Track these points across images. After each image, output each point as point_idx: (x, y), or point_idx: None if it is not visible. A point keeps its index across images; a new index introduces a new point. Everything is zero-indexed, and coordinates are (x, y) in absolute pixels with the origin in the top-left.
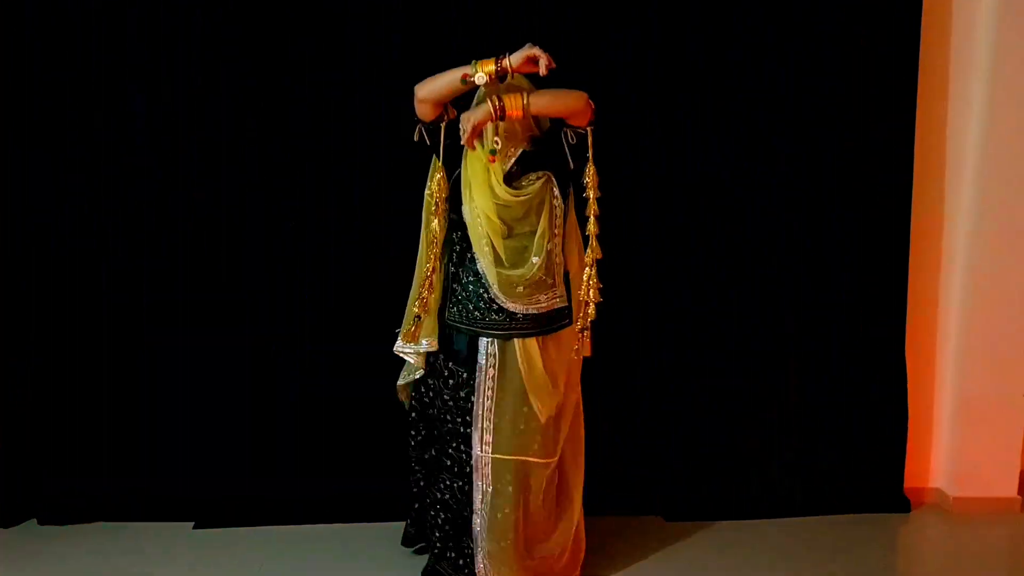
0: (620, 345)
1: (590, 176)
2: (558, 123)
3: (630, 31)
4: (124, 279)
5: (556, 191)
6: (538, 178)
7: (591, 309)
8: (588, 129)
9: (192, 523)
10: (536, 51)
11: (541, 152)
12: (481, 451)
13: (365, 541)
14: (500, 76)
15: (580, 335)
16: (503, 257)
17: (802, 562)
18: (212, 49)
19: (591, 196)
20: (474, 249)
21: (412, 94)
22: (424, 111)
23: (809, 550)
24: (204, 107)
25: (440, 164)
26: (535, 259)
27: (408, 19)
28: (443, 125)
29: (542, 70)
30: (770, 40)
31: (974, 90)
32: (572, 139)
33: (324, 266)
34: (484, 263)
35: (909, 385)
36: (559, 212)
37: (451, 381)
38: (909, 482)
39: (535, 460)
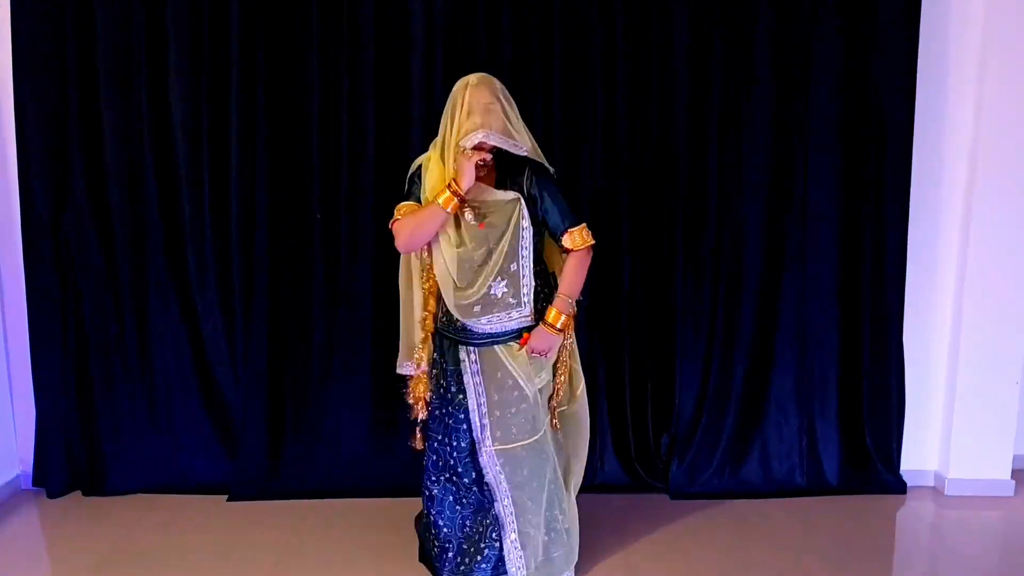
0: (622, 336)
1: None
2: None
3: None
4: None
5: (525, 212)
6: (507, 201)
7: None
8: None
9: (225, 496)
10: (473, 155)
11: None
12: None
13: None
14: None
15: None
16: (456, 279)
17: (802, 539)
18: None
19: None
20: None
21: None
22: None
23: (807, 528)
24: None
25: None
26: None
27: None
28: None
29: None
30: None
31: (970, 85)
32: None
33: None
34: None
35: (907, 371)
36: (528, 235)
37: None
38: (906, 464)
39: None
